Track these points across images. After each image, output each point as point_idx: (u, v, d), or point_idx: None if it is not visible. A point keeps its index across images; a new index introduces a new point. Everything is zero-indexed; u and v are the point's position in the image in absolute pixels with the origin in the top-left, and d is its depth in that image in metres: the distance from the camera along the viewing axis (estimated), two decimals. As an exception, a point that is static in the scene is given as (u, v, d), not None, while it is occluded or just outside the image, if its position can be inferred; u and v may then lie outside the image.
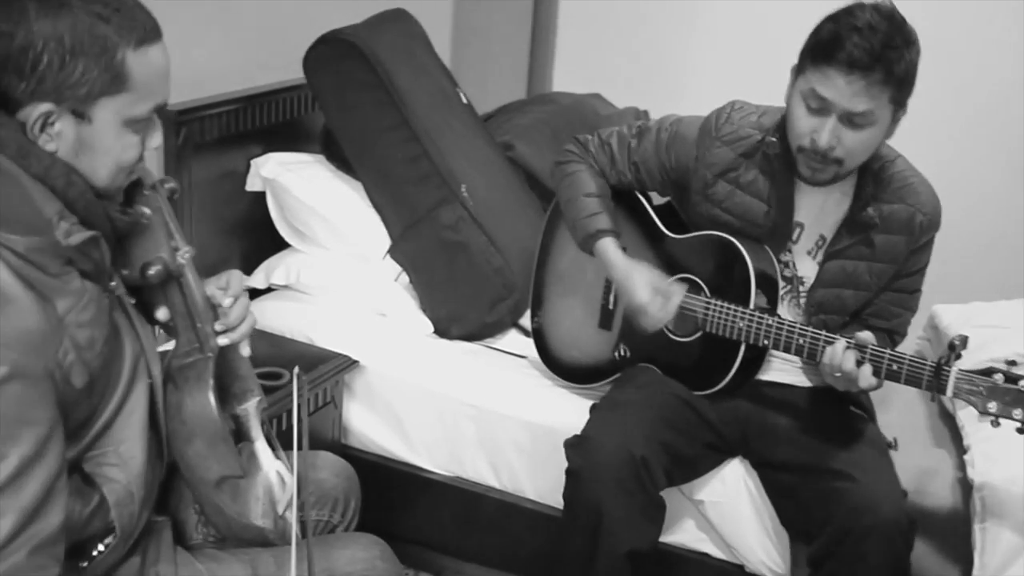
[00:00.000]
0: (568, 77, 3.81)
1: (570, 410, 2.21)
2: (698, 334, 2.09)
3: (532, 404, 2.32)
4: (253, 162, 2.59)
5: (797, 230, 2.05)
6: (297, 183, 2.57)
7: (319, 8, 2.72)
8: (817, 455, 1.97)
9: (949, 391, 1.75)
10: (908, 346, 2.27)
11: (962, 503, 2.04)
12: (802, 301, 2.08)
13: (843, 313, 2.06)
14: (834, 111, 1.83)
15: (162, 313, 1.47)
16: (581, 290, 2.32)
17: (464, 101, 2.83)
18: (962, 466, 2.10)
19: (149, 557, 1.47)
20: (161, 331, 1.54)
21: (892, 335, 2.11)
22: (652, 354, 2.18)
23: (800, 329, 1.91)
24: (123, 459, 1.36)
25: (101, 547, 1.38)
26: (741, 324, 1.98)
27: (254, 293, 2.54)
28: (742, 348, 2.02)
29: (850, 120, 1.83)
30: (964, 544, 1.96)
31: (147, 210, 1.40)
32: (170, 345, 1.49)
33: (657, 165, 2.16)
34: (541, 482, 2.29)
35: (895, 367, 1.80)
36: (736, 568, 2.19)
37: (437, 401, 2.37)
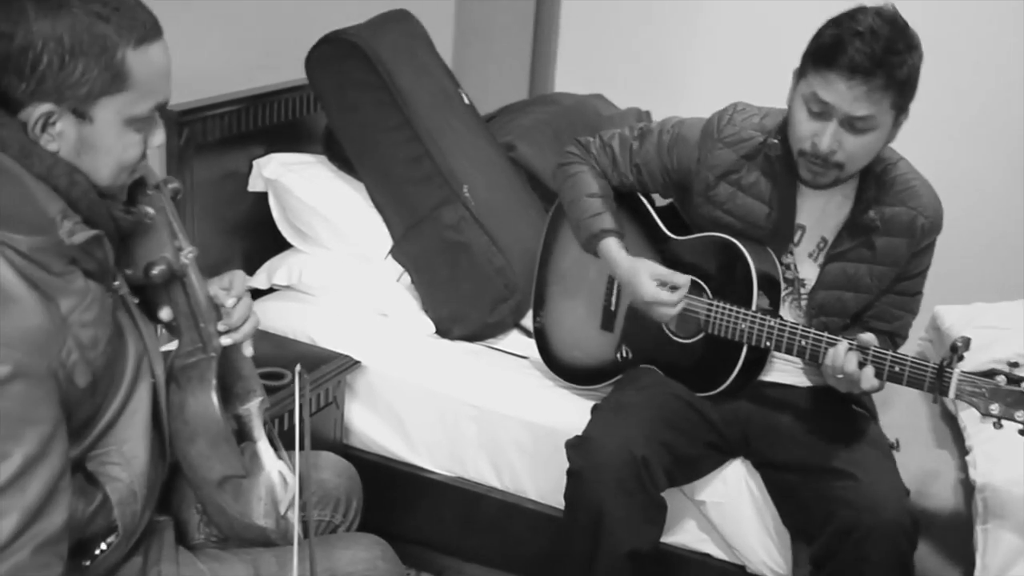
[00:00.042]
0: (570, 78, 3.82)
1: (571, 411, 2.21)
2: (700, 335, 2.09)
3: (533, 405, 2.32)
4: (255, 162, 2.59)
5: (798, 232, 2.05)
6: (299, 183, 2.57)
7: (321, 8, 2.72)
8: (819, 455, 1.97)
9: (951, 393, 1.75)
10: (910, 347, 2.27)
11: (964, 504, 2.04)
12: (803, 303, 2.08)
13: (844, 315, 2.06)
14: (835, 115, 1.83)
15: (165, 313, 1.47)
16: (583, 291, 2.33)
17: (466, 101, 2.83)
18: (964, 467, 2.10)
19: (151, 557, 1.47)
20: (164, 331, 1.55)
21: (893, 337, 2.11)
22: (654, 355, 2.18)
23: (802, 331, 1.91)
24: (126, 458, 1.36)
25: (103, 546, 1.38)
26: (743, 326, 1.98)
27: (256, 293, 2.54)
28: (744, 350, 2.02)
29: (851, 125, 1.83)
30: (966, 545, 1.96)
31: (151, 210, 1.40)
32: (173, 345, 1.49)
33: (659, 167, 2.16)
34: (542, 482, 2.29)
35: (897, 369, 1.80)
36: (737, 569, 2.19)
37: (439, 401, 2.37)
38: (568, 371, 2.37)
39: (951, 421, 2.34)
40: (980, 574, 1.89)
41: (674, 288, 2.06)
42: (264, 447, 1.53)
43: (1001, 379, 1.72)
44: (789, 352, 1.94)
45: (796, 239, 2.06)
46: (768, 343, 1.96)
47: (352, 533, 1.74)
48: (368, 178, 2.62)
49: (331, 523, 1.74)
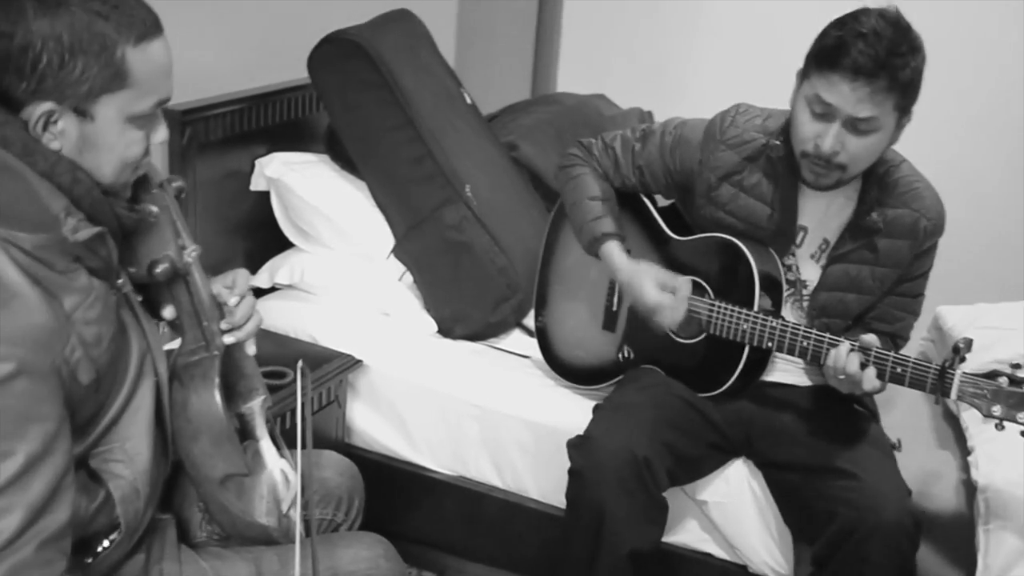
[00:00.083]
0: (572, 77, 3.82)
1: (573, 410, 2.22)
2: (702, 336, 2.09)
3: (535, 404, 2.32)
4: (257, 162, 2.59)
5: (801, 234, 2.05)
6: (301, 183, 2.57)
7: (323, 8, 2.72)
8: (821, 455, 1.97)
9: (953, 394, 1.75)
10: (912, 348, 2.27)
11: (966, 505, 2.04)
12: (805, 304, 2.08)
13: (846, 317, 2.06)
14: (838, 117, 1.83)
15: (168, 311, 1.47)
16: (585, 291, 2.33)
17: (468, 101, 2.83)
18: (966, 468, 2.10)
19: (153, 555, 1.47)
20: (167, 329, 1.55)
21: (895, 339, 2.11)
22: (656, 356, 2.18)
23: (804, 331, 1.91)
24: (129, 456, 1.36)
25: (106, 543, 1.38)
26: (745, 326, 1.98)
27: (258, 292, 2.54)
28: (746, 350, 2.02)
29: (854, 126, 1.83)
30: (968, 546, 1.96)
31: (154, 208, 1.40)
32: (176, 343, 1.49)
33: (661, 168, 2.16)
34: (544, 482, 2.29)
35: (899, 370, 1.80)
36: (739, 568, 2.19)
37: (440, 401, 2.37)
38: (570, 371, 2.37)
39: (953, 421, 2.34)
40: (982, 574, 1.89)
41: (675, 292, 2.06)
42: (266, 446, 1.53)
43: (1003, 380, 1.72)
44: (791, 353, 1.94)
45: (798, 240, 2.06)
46: (770, 344, 1.96)
47: (354, 532, 1.75)
48: (370, 177, 2.62)
49: (333, 522, 1.74)
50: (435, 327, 2.57)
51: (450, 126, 2.66)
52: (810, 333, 1.91)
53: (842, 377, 1.84)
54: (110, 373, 1.31)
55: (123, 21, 1.23)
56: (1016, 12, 3.19)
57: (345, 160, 2.67)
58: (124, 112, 1.27)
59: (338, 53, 2.54)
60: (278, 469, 1.51)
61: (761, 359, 2.06)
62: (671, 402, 2.07)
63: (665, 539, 2.12)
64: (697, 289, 2.11)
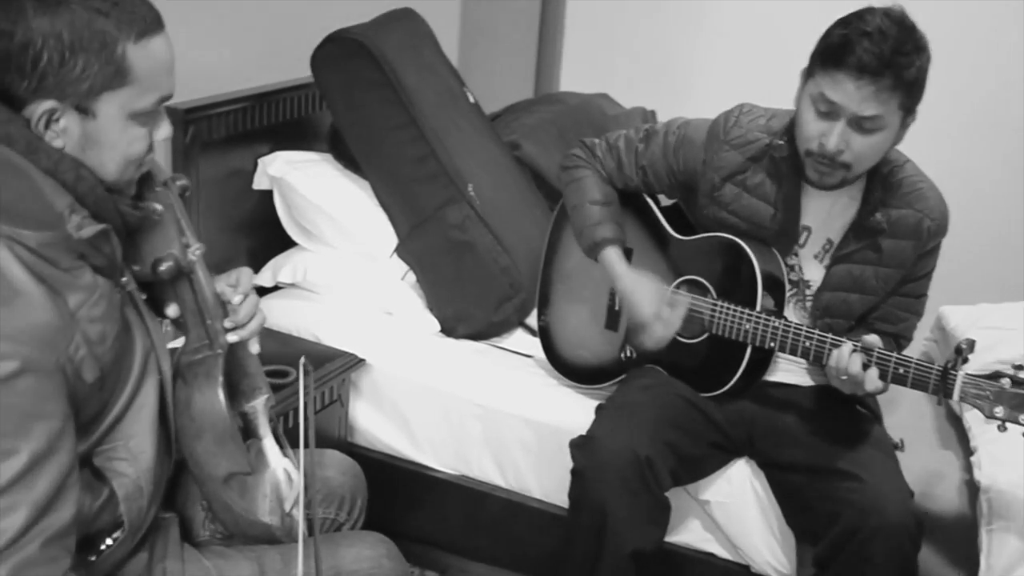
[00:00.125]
0: (575, 77, 3.81)
1: (576, 410, 2.22)
2: (704, 336, 2.09)
3: (538, 403, 2.32)
4: (260, 160, 2.59)
5: (804, 234, 2.05)
6: (304, 182, 2.57)
7: (327, 7, 2.72)
8: (823, 456, 1.97)
9: (956, 395, 1.75)
10: (915, 348, 2.27)
11: (968, 505, 2.04)
12: (808, 304, 2.08)
13: (849, 317, 2.06)
14: (843, 115, 1.83)
15: (172, 310, 1.47)
16: (588, 290, 2.33)
17: (471, 100, 2.83)
18: (969, 468, 2.10)
19: (156, 553, 1.47)
20: (170, 327, 1.55)
21: (898, 339, 2.11)
22: (658, 355, 2.18)
23: (807, 332, 1.91)
24: (133, 454, 1.36)
25: (109, 541, 1.38)
26: (747, 326, 1.98)
27: (261, 291, 2.54)
28: (748, 350, 2.02)
29: (859, 125, 1.83)
30: (970, 546, 1.96)
31: (158, 206, 1.40)
32: (179, 342, 1.49)
33: (664, 168, 2.16)
34: (547, 481, 2.30)
35: (901, 371, 1.80)
36: (742, 568, 2.19)
37: (443, 400, 2.37)
38: (572, 370, 2.37)
39: (956, 422, 2.34)
40: (985, 575, 1.89)
41: (671, 308, 2.08)
42: (269, 444, 1.53)
43: (1006, 382, 1.72)
44: (793, 353, 1.94)
45: (802, 240, 2.05)
46: (772, 344, 1.96)
47: (357, 531, 1.75)
48: (373, 176, 2.62)
49: (336, 521, 1.74)
50: (438, 326, 2.57)
51: (453, 125, 2.66)
52: (812, 333, 1.91)
53: (844, 378, 1.84)
54: (114, 371, 1.31)
55: (123, 18, 1.23)
56: (1016, 12, 3.19)
57: (348, 159, 2.67)
58: (126, 109, 1.26)
59: (341, 52, 2.54)
60: (281, 468, 1.51)
61: (763, 359, 2.06)
62: (673, 402, 2.07)
63: (668, 539, 2.12)
64: (699, 289, 2.11)
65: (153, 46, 1.26)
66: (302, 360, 1.48)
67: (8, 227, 1.19)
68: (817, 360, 1.91)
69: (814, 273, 2.07)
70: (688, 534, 2.22)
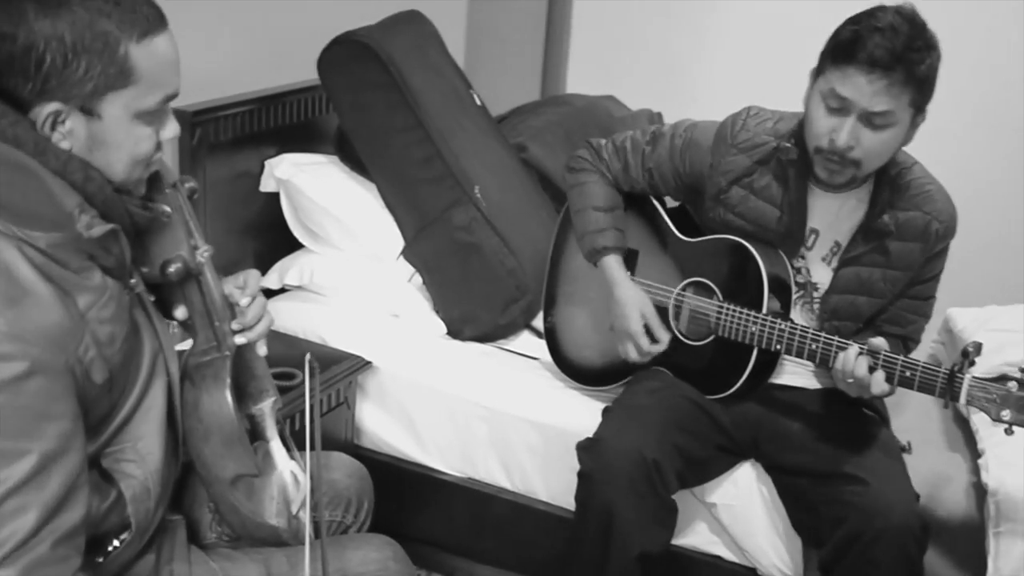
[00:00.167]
0: (582, 79, 3.82)
1: (582, 412, 2.22)
2: (710, 338, 2.09)
3: (544, 406, 2.32)
4: (267, 163, 2.60)
5: (812, 236, 2.05)
6: (311, 184, 2.57)
7: (333, 9, 2.73)
8: (829, 459, 1.97)
9: (962, 399, 1.75)
10: (922, 350, 2.26)
11: (976, 508, 2.03)
12: (815, 307, 2.07)
13: (857, 320, 2.06)
14: (854, 111, 1.82)
15: (180, 312, 1.48)
16: (594, 292, 2.32)
17: (478, 102, 2.83)
18: (976, 471, 2.09)
19: (163, 555, 1.47)
20: (178, 329, 1.55)
21: (906, 341, 2.10)
22: (664, 357, 2.17)
23: (813, 334, 1.91)
24: (141, 455, 1.36)
25: (116, 543, 1.39)
26: (753, 328, 1.98)
27: (268, 293, 2.54)
28: (754, 353, 2.01)
29: (869, 120, 1.83)
30: (978, 550, 1.95)
31: (167, 208, 1.41)
32: (187, 344, 1.50)
33: (671, 171, 2.16)
34: (553, 484, 2.29)
35: (908, 374, 1.80)
36: (748, 571, 2.18)
37: (449, 402, 2.37)
38: (578, 371, 2.37)
39: (963, 424, 2.33)
40: (992, 578, 1.89)
41: (654, 341, 2.11)
42: (276, 447, 1.53)
43: (1012, 385, 1.72)
44: (799, 356, 1.94)
45: (809, 243, 2.05)
46: (778, 346, 1.96)
47: (363, 534, 1.75)
48: (380, 179, 2.63)
49: (342, 523, 1.74)
50: (444, 328, 2.57)
51: (459, 127, 2.66)
52: (819, 336, 1.90)
53: (851, 380, 1.84)
54: (123, 373, 1.32)
55: (125, 18, 1.23)
56: (1016, 12, 3.18)
57: (354, 161, 2.67)
58: (131, 109, 1.26)
59: (348, 54, 2.55)
60: (288, 470, 1.51)
61: (770, 361, 2.06)
62: (680, 404, 2.07)
63: (674, 541, 2.11)
64: (706, 291, 2.11)
65: (156, 45, 1.26)
66: (308, 357, 1.48)
67: (19, 229, 1.20)
68: (823, 363, 1.91)
69: (822, 275, 2.06)
70: (695, 537, 2.21)
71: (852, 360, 1.83)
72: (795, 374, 2.14)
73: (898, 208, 1.98)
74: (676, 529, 2.05)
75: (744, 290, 2.02)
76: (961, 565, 2.00)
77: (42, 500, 1.17)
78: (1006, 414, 1.72)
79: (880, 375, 1.81)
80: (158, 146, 1.33)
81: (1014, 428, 1.72)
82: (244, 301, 1.49)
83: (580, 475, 1.99)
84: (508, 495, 2.36)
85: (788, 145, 1.99)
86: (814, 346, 1.91)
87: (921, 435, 2.25)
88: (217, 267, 1.48)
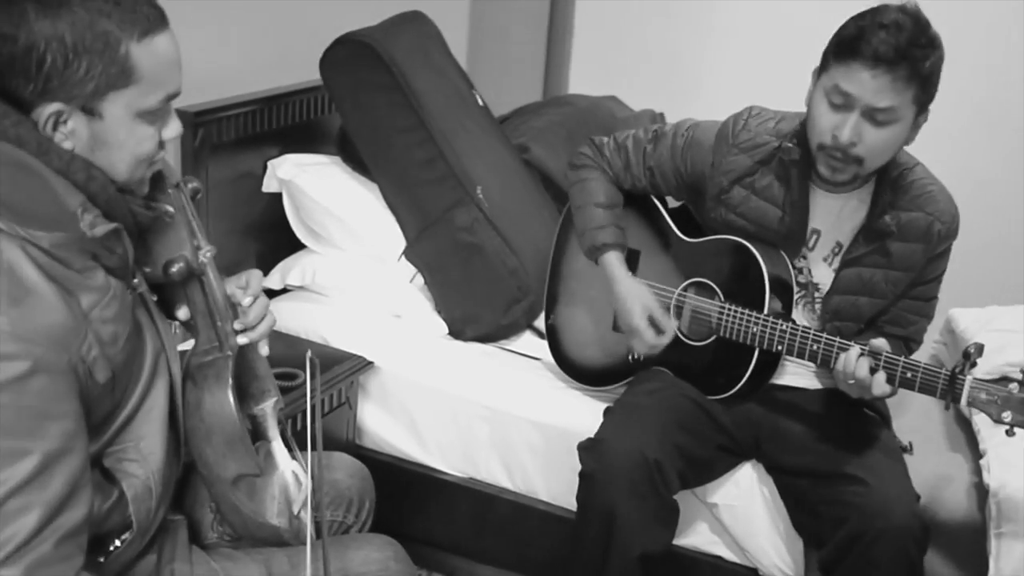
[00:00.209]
0: (584, 79, 3.81)
1: (584, 412, 2.22)
2: (712, 338, 2.09)
3: (546, 406, 2.33)
4: (270, 163, 2.60)
5: (813, 237, 2.05)
6: (313, 184, 2.58)
7: (336, 10, 2.73)
8: (829, 460, 1.97)
9: (964, 400, 1.75)
10: (924, 350, 2.26)
11: (977, 509, 2.03)
12: (817, 307, 2.08)
13: (858, 320, 2.06)
14: (857, 106, 1.82)
15: (183, 312, 1.48)
16: (595, 292, 2.32)
17: (480, 103, 2.83)
18: (978, 471, 2.09)
19: (165, 555, 1.47)
20: (180, 329, 1.55)
21: (908, 342, 2.10)
22: (665, 357, 2.17)
23: (814, 335, 1.91)
24: (143, 455, 1.37)
25: (118, 542, 1.39)
26: (755, 329, 1.98)
27: (270, 294, 2.54)
28: (756, 353, 2.01)
29: (872, 116, 1.83)
30: (979, 550, 1.95)
31: (170, 208, 1.41)
32: (189, 344, 1.50)
33: (672, 170, 2.16)
34: (554, 484, 2.30)
35: (909, 375, 1.80)
36: (749, 571, 2.19)
37: (451, 402, 2.37)
38: (580, 371, 2.37)
39: (965, 424, 2.33)
40: (993, 579, 1.89)
41: (660, 332, 2.10)
42: (278, 447, 1.54)
43: (1014, 386, 1.72)
44: (800, 356, 1.94)
45: (811, 243, 2.05)
46: (780, 347, 1.96)
47: (364, 534, 1.75)
48: (382, 179, 2.63)
49: (344, 523, 1.74)
50: (446, 329, 2.58)
51: (461, 128, 2.66)
52: (820, 337, 1.90)
53: (852, 382, 1.84)
54: (125, 372, 1.32)
55: (126, 17, 1.23)
56: (1016, 12, 3.18)
57: (357, 162, 2.67)
58: (133, 108, 1.26)
59: (350, 55, 2.55)
60: (290, 471, 1.52)
61: (771, 362, 2.06)
62: (681, 404, 2.07)
63: (676, 542, 2.11)
64: (707, 291, 2.11)
65: (157, 44, 1.26)
66: (308, 353, 1.48)
67: (22, 228, 1.20)
68: (824, 364, 1.91)
69: (823, 276, 2.06)
70: (696, 537, 2.22)
71: (853, 361, 1.83)
72: (796, 374, 2.14)
73: (900, 209, 1.98)
74: (677, 529, 2.05)
75: (746, 291, 2.02)
76: (962, 566, 1.99)
77: (45, 499, 1.17)
78: (1007, 416, 1.72)
79: (881, 376, 1.81)
80: (160, 145, 1.33)
81: (1015, 430, 1.72)
82: (246, 301, 1.50)
83: (581, 475, 1.99)
84: (509, 495, 2.36)
85: (790, 145, 1.99)
86: (815, 347, 1.91)
87: (923, 435, 2.25)
88: (219, 267, 1.48)
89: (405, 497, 2.41)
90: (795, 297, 2.05)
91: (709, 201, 2.11)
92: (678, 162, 2.15)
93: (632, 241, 2.24)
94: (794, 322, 1.98)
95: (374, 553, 1.58)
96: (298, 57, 2.63)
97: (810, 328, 1.94)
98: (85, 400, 1.25)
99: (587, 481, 1.98)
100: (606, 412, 2.10)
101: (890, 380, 1.81)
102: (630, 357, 2.25)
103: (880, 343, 1.83)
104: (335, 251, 2.62)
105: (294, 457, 1.54)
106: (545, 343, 2.44)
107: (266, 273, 2.63)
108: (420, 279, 2.63)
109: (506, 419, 2.33)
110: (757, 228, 2.06)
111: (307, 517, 1.48)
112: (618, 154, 2.23)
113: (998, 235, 3.22)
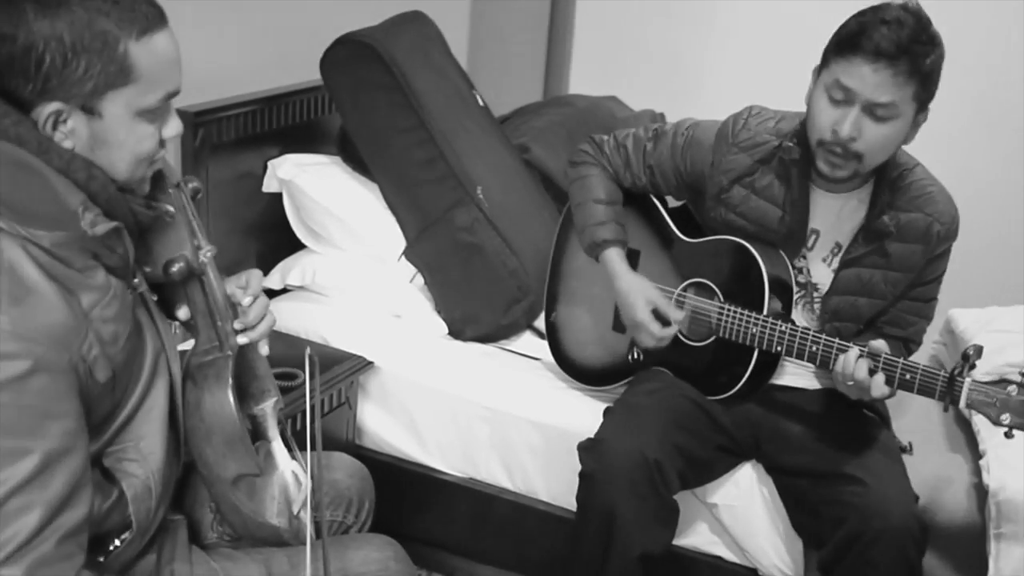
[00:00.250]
0: (585, 79, 3.82)
1: (584, 412, 2.22)
2: (711, 339, 2.09)
3: (546, 406, 2.33)
4: (270, 163, 2.60)
5: (813, 237, 2.05)
6: (313, 184, 2.58)
7: (336, 10, 2.73)
8: (828, 460, 1.97)
9: (962, 402, 1.75)
10: (924, 351, 2.26)
11: (977, 509, 2.03)
12: (816, 308, 2.08)
13: (858, 321, 2.06)
14: (857, 101, 1.83)
15: (183, 312, 1.48)
16: (595, 291, 2.32)
17: (480, 103, 2.83)
18: (977, 472, 2.09)
19: (164, 555, 1.48)
20: (180, 329, 1.55)
21: (907, 343, 2.10)
22: (665, 357, 2.18)
23: (813, 336, 1.91)
24: (143, 454, 1.37)
25: (118, 542, 1.39)
26: (754, 330, 1.98)
27: (270, 294, 2.54)
28: (755, 354, 2.02)
29: (872, 112, 1.83)
30: (979, 551, 1.95)
31: (171, 208, 1.41)
32: (189, 343, 1.50)
33: (672, 169, 2.16)
34: (554, 484, 2.30)
35: (908, 377, 1.80)
36: (749, 571, 2.19)
37: (451, 402, 2.37)
38: (580, 371, 2.37)
39: (965, 425, 2.33)
40: (992, 580, 1.88)
41: (666, 324, 2.09)
42: (278, 447, 1.54)
43: (1013, 388, 1.72)
44: (800, 357, 1.94)
45: (810, 244, 2.05)
46: (779, 348, 1.96)
47: (364, 534, 1.75)
48: (382, 179, 2.63)
49: (343, 524, 1.74)
50: (446, 329, 2.58)
51: (462, 128, 2.66)
52: (819, 338, 1.90)
53: (851, 383, 1.84)
54: (126, 372, 1.32)
55: (124, 16, 1.23)
56: (1016, 12, 3.18)
57: (357, 162, 2.67)
58: (132, 107, 1.26)
59: (350, 55, 2.55)
60: (289, 471, 1.52)
61: (771, 362, 2.06)
62: (681, 404, 2.07)
63: (675, 542, 2.11)
64: (706, 292, 2.11)
65: (156, 43, 1.26)
66: (308, 351, 1.48)
67: (23, 227, 1.20)
68: (824, 364, 1.91)
69: (822, 276, 2.06)
70: (696, 537, 2.22)
71: (852, 363, 1.83)
72: (796, 375, 2.14)
73: (899, 209, 1.98)
74: (677, 529, 2.05)
75: (745, 291, 2.02)
76: (962, 567, 1.99)
77: (46, 499, 1.17)
78: (1006, 418, 1.72)
79: (880, 378, 1.81)
80: (161, 144, 1.33)
81: (1014, 432, 1.72)
82: (246, 301, 1.50)
83: (581, 475, 1.99)
84: (509, 495, 2.36)
85: (791, 144, 1.99)
86: (814, 348, 1.91)
87: (922, 436, 2.25)
88: (220, 267, 1.48)
89: (405, 497, 2.41)
90: (794, 297, 2.05)
91: (709, 200, 2.11)
92: (678, 161, 2.15)
93: (632, 241, 2.24)
94: (793, 323, 1.98)
95: (374, 553, 1.58)
96: (298, 57, 2.63)
97: (809, 329, 1.94)
98: (85, 399, 1.25)
99: (587, 481, 1.98)
100: (606, 412, 2.10)
101: (889, 382, 1.81)
102: (630, 357, 2.25)
103: (879, 344, 1.83)
104: (335, 251, 2.62)
105: (294, 457, 1.54)
106: (545, 343, 2.44)
107: (266, 273, 2.63)
108: (420, 279, 2.64)
109: (506, 419, 2.33)
110: (757, 228, 2.06)
111: (307, 517, 1.48)
112: (618, 152, 2.23)
113: (998, 235, 3.22)
